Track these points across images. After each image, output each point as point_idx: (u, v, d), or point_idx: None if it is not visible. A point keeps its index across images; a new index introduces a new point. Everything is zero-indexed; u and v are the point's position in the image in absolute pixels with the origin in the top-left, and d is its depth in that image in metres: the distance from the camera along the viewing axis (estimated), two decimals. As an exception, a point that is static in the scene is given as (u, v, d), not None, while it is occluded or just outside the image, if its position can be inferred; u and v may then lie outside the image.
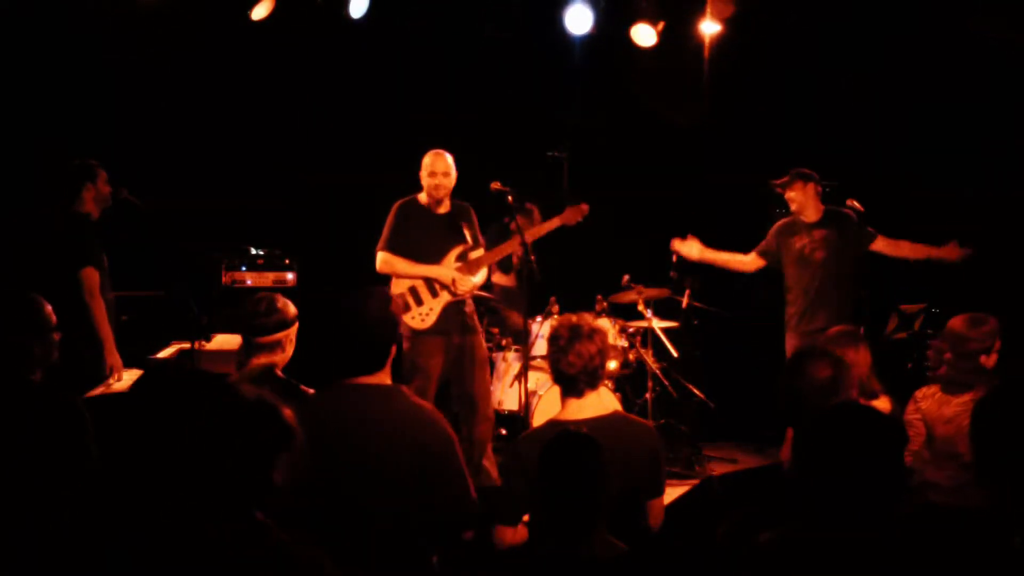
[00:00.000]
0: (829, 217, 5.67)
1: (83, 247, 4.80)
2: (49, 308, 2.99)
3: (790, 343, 5.66)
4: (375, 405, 2.80)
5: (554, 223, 5.40)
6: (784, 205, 5.99)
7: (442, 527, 2.83)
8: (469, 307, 5.34)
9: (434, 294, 5.19)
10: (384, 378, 2.88)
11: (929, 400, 3.78)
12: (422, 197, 5.29)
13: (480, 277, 5.31)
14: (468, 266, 5.24)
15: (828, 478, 2.12)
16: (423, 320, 5.17)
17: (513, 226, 5.21)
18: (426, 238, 5.22)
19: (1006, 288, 5.76)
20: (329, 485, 2.69)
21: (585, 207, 5.41)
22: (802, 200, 5.66)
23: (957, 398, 3.70)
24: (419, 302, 5.19)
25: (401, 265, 5.19)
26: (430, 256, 5.22)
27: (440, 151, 5.25)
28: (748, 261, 5.90)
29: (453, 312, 5.21)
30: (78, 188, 4.91)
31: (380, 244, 5.24)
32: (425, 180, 5.22)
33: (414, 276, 5.20)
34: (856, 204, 5.61)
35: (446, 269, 5.20)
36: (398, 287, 5.20)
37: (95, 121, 6.27)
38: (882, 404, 3.60)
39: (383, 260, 5.21)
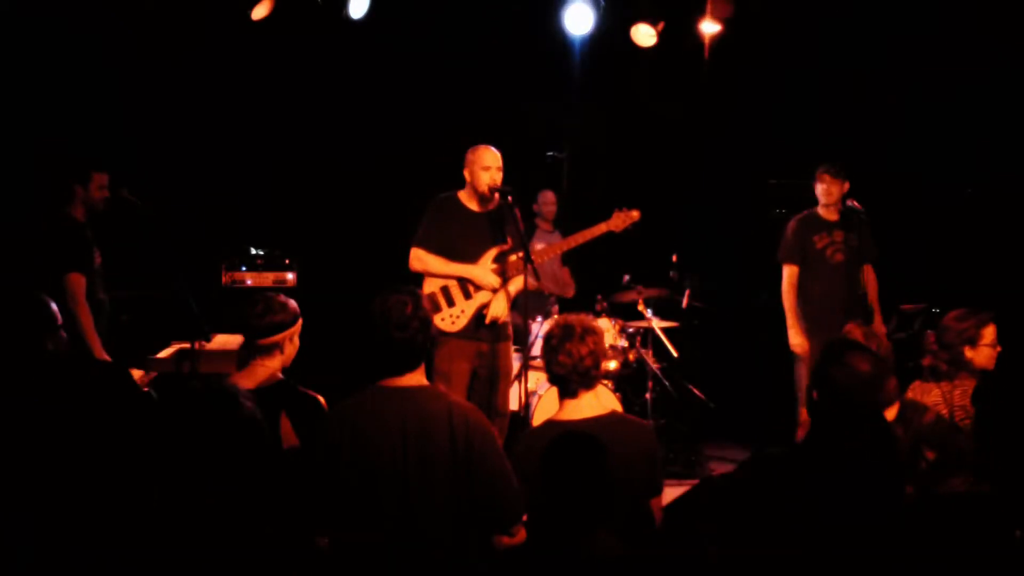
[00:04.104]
0: (846, 218, 5.64)
1: (68, 252, 4.68)
2: (55, 307, 3.01)
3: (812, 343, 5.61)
4: (413, 405, 2.77)
5: (600, 229, 5.04)
6: (783, 205, 5.98)
7: (487, 525, 2.79)
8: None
9: (467, 296, 4.91)
10: (419, 378, 2.85)
11: (915, 390, 3.86)
12: (463, 194, 5.00)
13: (518, 283, 4.96)
14: (504, 268, 4.95)
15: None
16: (453, 323, 4.89)
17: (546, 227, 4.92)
18: (464, 236, 4.93)
19: (1006, 287, 5.76)
20: (372, 487, 2.69)
21: (636, 214, 5.04)
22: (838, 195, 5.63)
23: (937, 387, 3.79)
24: (451, 303, 4.90)
25: (434, 263, 4.90)
26: (466, 256, 4.91)
27: (488, 145, 4.97)
28: (792, 279, 5.75)
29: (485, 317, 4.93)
30: (69, 191, 4.83)
31: (415, 239, 4.94)
32: (479, 175, 4.89)
33: (447, 275, 4.91)
34: (855, 204, 5.59)
35: (482, 271, 4.92)
36: (430, 286, 4.92)
37: (95, 121, 6.27)
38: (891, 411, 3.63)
39: (416, 256, 4.91)
